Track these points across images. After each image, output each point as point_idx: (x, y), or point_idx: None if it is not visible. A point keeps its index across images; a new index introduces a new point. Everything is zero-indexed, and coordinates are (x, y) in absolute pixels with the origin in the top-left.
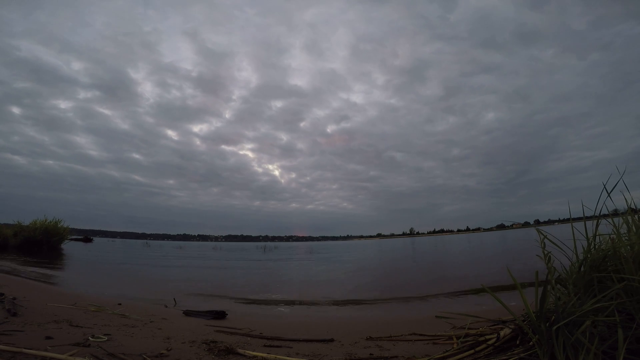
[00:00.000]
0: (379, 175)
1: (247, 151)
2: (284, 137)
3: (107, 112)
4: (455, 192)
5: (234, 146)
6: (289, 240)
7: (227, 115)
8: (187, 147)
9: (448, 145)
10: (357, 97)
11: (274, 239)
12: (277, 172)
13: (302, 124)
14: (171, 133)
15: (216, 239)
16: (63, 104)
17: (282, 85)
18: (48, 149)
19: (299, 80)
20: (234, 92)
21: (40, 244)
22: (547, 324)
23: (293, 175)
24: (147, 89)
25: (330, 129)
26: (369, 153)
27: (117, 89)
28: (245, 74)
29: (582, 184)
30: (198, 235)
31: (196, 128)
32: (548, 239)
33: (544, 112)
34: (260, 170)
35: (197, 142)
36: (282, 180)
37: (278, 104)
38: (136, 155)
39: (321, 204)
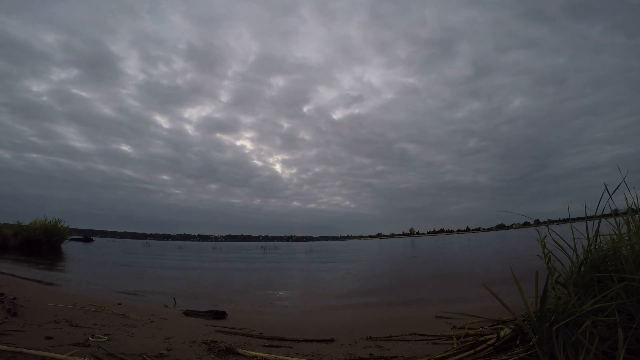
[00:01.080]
0: (387, 170)
1: (245, 141)
2: (285, 124)
3: (86, 94)
4: (463, 190)
5: (231, 135)
6: (289, 240)
7: (223, 97)
8: (179, 137)
9: (466, 136)
10: (373, 74)
11: (274, 238)
12: (277, 167)
13: (305, 109)
14: (160, 119)
15: (216, 239)
16: (36, 86)
17: (286, 58)
18: (29, 140)
19: (306, 50)
20: (230, 66)
21: (40, 244)
22: (547, 324)
23: (294, 170)
24: (131, 64)
25: (337, 114)
26: (379, 144)
27: (96, 65)
28: (243, 43)
29: (595, 182)
30: (198, 235)
31: (188, 113)
32: (552, 237)
33: (576, 98)
34: (259, 163)
35: (190, 130)
36: (283, 177)
37: (280, 82)
38: (125, 147)
39: (323, 202)
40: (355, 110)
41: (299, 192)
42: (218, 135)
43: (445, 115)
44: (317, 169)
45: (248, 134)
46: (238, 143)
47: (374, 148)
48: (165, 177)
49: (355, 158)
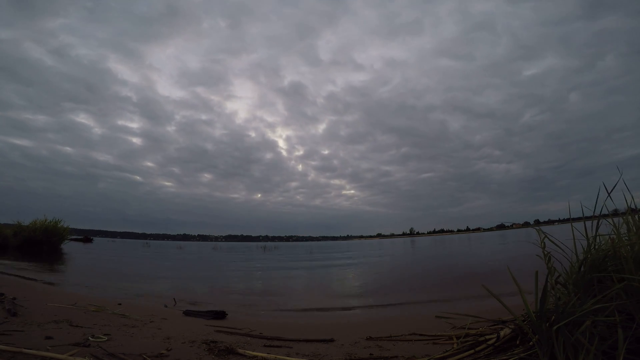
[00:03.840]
0: (412, 154)
1: (236, 102)
2: (288, 75)
3: (6, 35)
4: (488, 183)
5: (218, 92)
6: (289, 240)
7: (204, 21)
8: (151, 97)
9: (527, 104)
10: None
11: (274, 238)
12: (280, 143)
13: (320, 41)
14: (120, 68)
15: (216, 239)
16: None
17: None
18: None
19: None
20: None
21: (40, 244)
22: (547, 324)
23: (301, 151)
24: None
25: (366, 57)
26: (414, 112)
27: None
28: None
29: (625, 177)
30: (198, 235)
31: (155, 55)
32: (548, 238)
33: None
34: (259, 140)
35: (162, 85)
36: (289, 162)
37: None
38: (84, 119)
39: (329, 197)
40: (394, 52)
41: (305, 184)
42: (200, 92)
43: (515, 70)
44: (326, 152)
45: (240, 92)
46: (229, 107)
47: (407, 117)
48: (148, 163)
49: (377, 134)
